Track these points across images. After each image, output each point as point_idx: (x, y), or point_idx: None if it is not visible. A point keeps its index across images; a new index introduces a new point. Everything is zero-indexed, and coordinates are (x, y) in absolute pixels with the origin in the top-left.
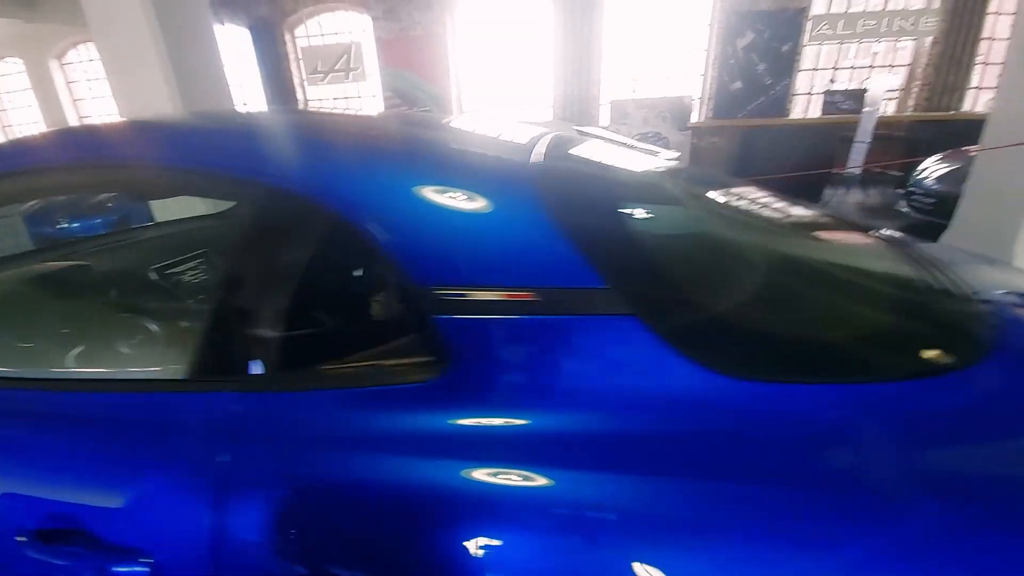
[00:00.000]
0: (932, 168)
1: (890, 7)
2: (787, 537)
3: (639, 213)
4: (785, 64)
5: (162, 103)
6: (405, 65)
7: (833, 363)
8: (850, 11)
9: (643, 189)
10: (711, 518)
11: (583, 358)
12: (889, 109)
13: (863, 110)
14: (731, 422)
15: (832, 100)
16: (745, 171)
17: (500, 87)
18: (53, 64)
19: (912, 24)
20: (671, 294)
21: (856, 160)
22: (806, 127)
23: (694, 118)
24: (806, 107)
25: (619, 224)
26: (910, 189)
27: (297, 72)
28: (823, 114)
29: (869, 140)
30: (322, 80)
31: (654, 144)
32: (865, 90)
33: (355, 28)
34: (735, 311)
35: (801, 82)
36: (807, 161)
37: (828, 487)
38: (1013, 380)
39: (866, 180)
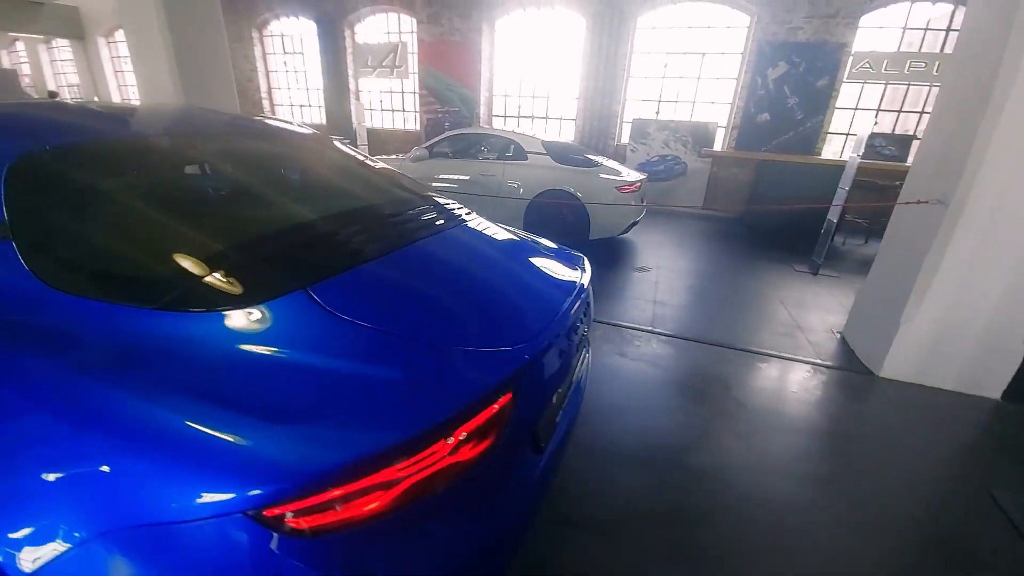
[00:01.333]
0: None
1: (948, 50)
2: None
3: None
4: (819, 100)
5: (167, 92)
6: (441, 67)
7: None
8: (899, 51)
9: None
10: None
11: None
12: None
13: (849, 156)
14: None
15: (873, 144)
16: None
17: (528, 96)
18: (100, 41)
19: None
20: (36, 227)
21: (836, 207)
22: (828, 168)
23: (717, 146)
24: (842, 147)
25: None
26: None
27: (352, 65)
28: (862, 158)
29: (848, 187)
30: (371, 73)
31: (671, 167)
32: (915, 136)
33: (405, 29)
34: (74, 243)
35: (840, 120)
36: (820, 202)
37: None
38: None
39: (852, 228)
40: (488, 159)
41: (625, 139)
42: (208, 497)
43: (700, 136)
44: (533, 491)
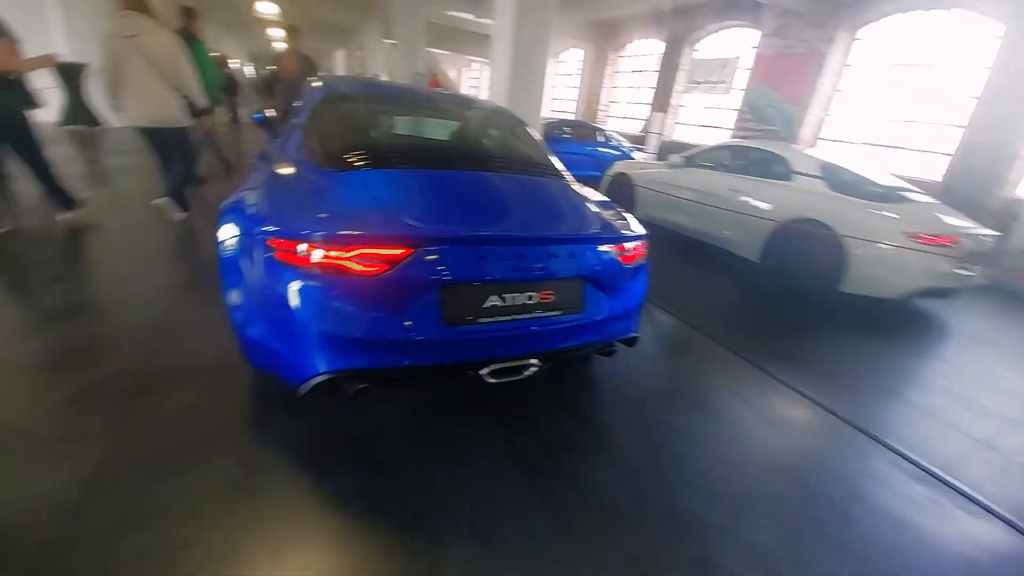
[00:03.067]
0: None
1: None
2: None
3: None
4: None
5: (504, 93)
6: (771, 82)
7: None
8: None
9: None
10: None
11: None
12: None
13: None
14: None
15: None
16: None
17: (883, 120)
18: (611, 56)
19: None
20: (312, 129)
21: None
22: None
23: None
24: None
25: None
26: None
27: (683, 80)
28: None
29: None
30: (696, 89)
31: None
32: None
33: (744, 45)
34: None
35: None
36: None
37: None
38: None
39: None
40: (744, 175)
41: None
42: (264, 228)
43: None
44: (428, 343)
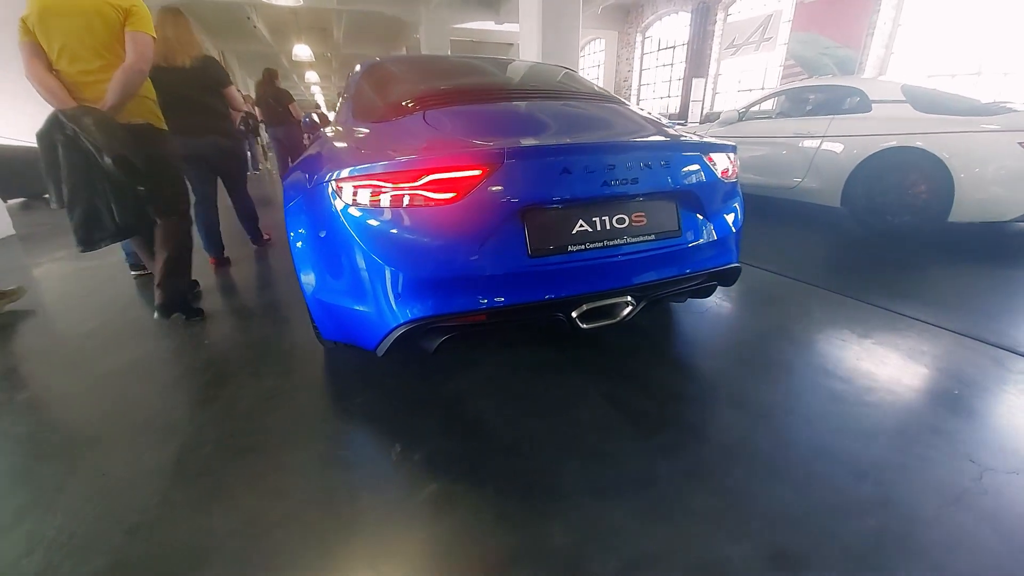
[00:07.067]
0: None
1: None
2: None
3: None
4: None
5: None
6: (818, 28)
7: None
8: None
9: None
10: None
11: None
12: None
13: None
14: None
15: None
16: None
17: (952, 53)
18: (637, 38)
19: None
20: None
21: None
22: None
23: None
24: None
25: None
26: None
27: (717, 47)
28: None
29: None
30: (732, 53)
31: None
32: None
33: None
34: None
35: None
36: None
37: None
38: None
39: None
40: (811, 116)
41: None
42: (327, 176)
43: None
44: (514, 278)
